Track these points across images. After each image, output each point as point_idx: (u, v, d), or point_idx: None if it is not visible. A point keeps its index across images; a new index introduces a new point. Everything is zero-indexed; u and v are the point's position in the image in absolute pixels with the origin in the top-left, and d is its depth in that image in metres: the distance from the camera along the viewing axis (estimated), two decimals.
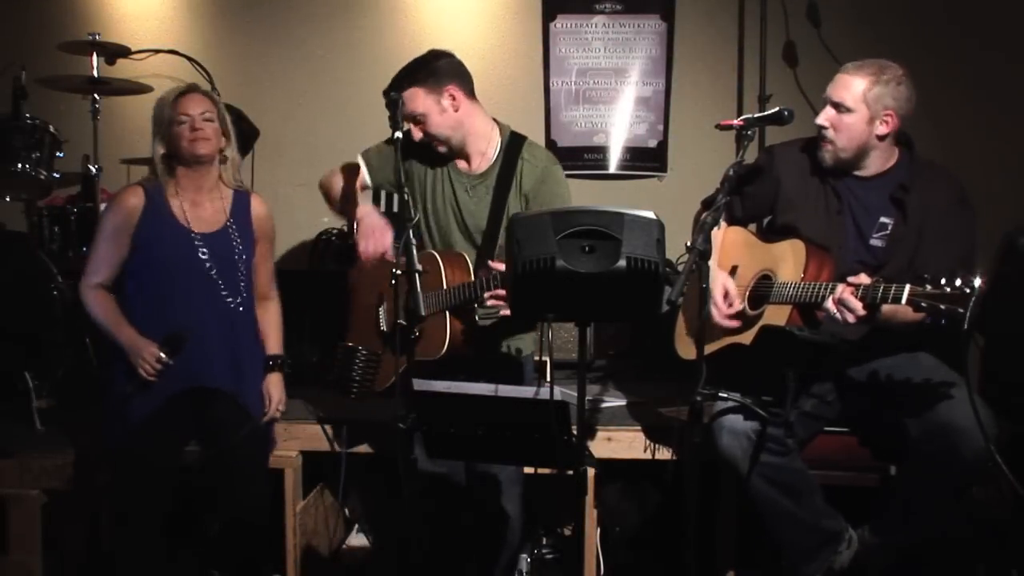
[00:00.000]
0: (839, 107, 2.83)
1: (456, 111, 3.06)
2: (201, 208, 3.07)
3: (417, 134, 3.05)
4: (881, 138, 2.85)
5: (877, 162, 2.90)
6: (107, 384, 3.08)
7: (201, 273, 3.01)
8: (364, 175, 3.22)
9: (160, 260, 3.00)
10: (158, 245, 3.00)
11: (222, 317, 3.03)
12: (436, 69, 3.05)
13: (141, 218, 3.01)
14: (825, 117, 2.86)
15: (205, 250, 3.01)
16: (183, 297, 2.99)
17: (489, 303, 2.90)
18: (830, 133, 2.85)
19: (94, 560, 3.41)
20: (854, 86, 2.81)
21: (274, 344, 3.19)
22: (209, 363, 3.00)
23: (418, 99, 3.03)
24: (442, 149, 3.11)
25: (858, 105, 2.81)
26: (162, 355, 2.91)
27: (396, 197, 3.55)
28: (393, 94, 2.88)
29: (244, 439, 2.98)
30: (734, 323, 2.96)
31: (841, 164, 2.89)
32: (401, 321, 2.66)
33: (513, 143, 3.12)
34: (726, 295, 2.97)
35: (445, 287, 2.99)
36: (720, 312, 2.96)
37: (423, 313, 2.64)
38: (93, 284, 3.04)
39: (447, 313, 2.98)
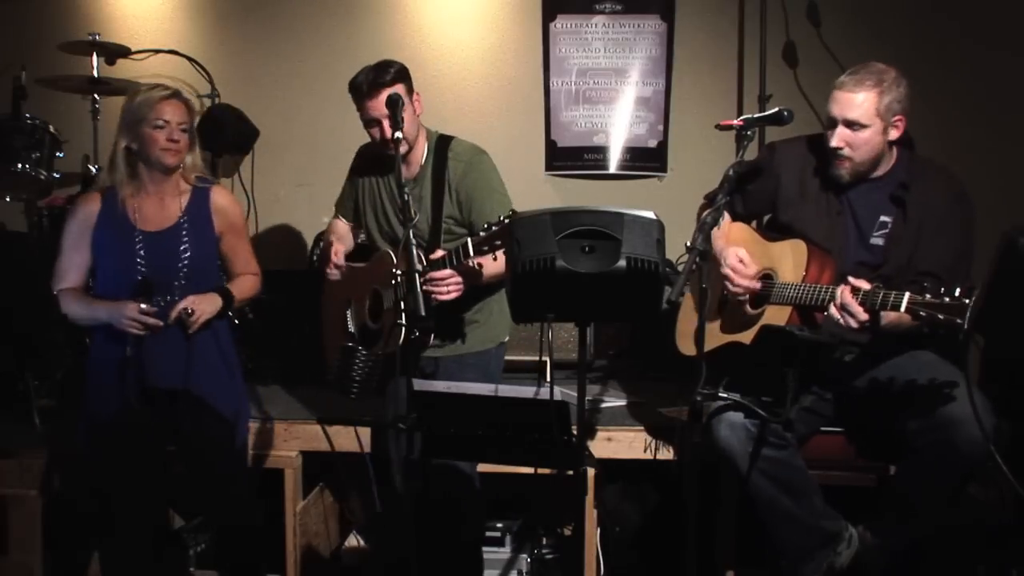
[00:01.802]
0: (852, 125, 2.79)
1: (416, 115, 3.11)
2: (153, 206, 3.03)
3: (388, 133, 3.00)
4: (892, 143, 2.85)
5: (884, 164, 2.90)
6: (83, 389, 3.07)
7: (135, 272, 2.96)
8: (342, 223, 3.37)
9: (110, 261, 3.00)
10: (108, 246, 2.99)
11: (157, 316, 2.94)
12: (407, 72, 3.10)
13: (97, 222, 3.00)
14: (840, 139, 2.81)
15: (143, 249, 2.97)
16: (128, 296, 2.94)
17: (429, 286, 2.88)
18: (846, 151, 2.82)
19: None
20: (864, 101, 2.78)
21: (232, 286, 3.11)
22: (153, 362, 2.94)
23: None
24: (404, 149, 3.05)
25: (872, 119, 2.78)
26: (141, 305, 2.86)
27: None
28: (393, 94, 2.89)
29: (213, 442, 2.98)
30: (754, 285, 2.93)
31: (859, 177, 2.88)
32: (401, 322, 2.65)
33: (440, 144, 3.17)
34: (741, 260, 2.93)
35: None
36: (738, 274, 2.92)
37: (422, 313, 2.63)
38: (60, 288, 3.02)
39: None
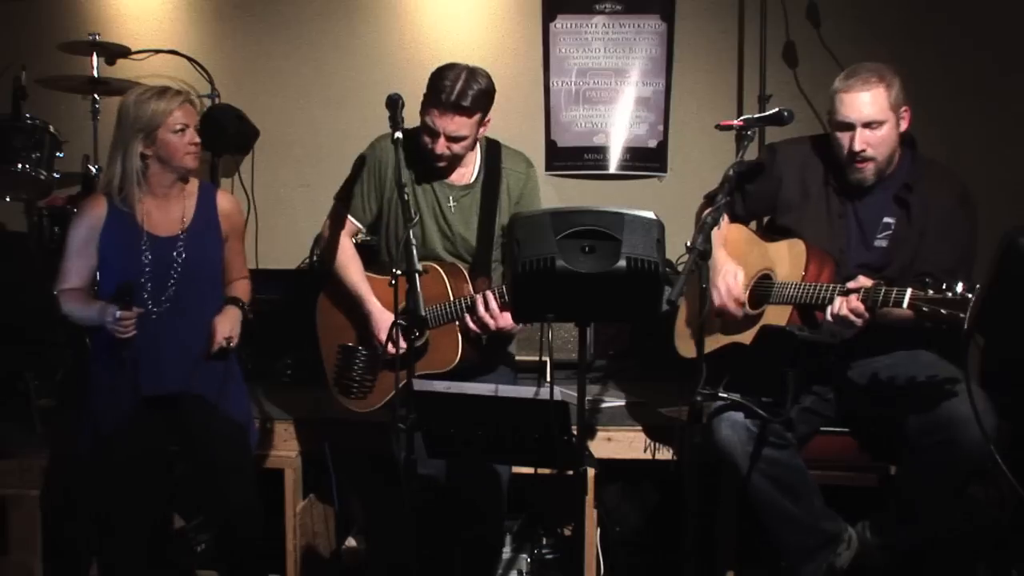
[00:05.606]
0: (870, 125, 2.80)
1: (480, 135, 3.04)
2: (162, 210, 3.02)
3: (442, 150, 2.95)
4: (901, 136, 2.87)
5: (891, 164, 2.90)
6: (83, 389, 3.07)
7: (142, 275, 2.96)
8: (353, 222, 3.15)
9: (117, 264, 2.99)
10: (116, 249, 2.99)
11: (146, 323, 2.94)
12: (491, 96, 2.98)
13: (105, 225, 2.98)
14: (862, 141, 2.80)
15: (149, 253, 2.98)
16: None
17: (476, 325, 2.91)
18: (869, 152, 2.82)
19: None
20: (876, 98, 2.79)
21: (234, 291, 3.14)
22: (152, 369, 2.95)
23: (474, 128, 2.96)
24: (442, 164, 3.03)
25: (887, 114, 2.80)
26: (117, 312, 2.84)
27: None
28: (393, 94, 2.81)
29: (220, 441, 2.97)
30: (738, 309, 2.94)
31: (880, 176, 2.87)
32: (401, 321, 2.63)
33: (491, 152, 3.12)
34: (736, 279, 2.94)
35: (452, 298, 2.99)
36: (728, 294, 2.93)
37: (422, 314, 2.61)
38: (62, 288, 3.00)
39: (458, 326, 2.99)
